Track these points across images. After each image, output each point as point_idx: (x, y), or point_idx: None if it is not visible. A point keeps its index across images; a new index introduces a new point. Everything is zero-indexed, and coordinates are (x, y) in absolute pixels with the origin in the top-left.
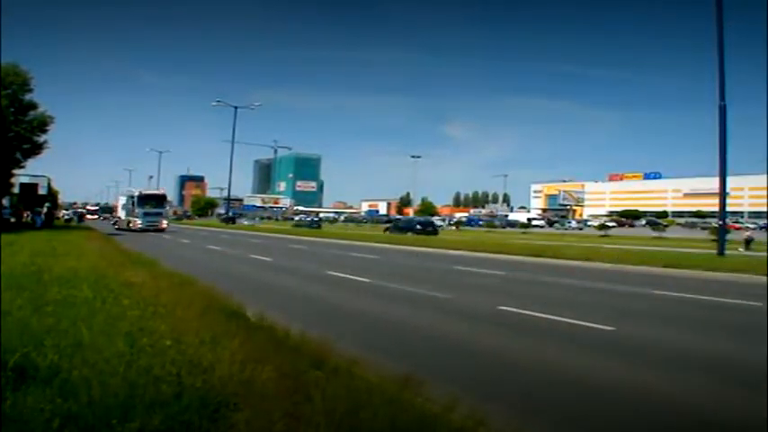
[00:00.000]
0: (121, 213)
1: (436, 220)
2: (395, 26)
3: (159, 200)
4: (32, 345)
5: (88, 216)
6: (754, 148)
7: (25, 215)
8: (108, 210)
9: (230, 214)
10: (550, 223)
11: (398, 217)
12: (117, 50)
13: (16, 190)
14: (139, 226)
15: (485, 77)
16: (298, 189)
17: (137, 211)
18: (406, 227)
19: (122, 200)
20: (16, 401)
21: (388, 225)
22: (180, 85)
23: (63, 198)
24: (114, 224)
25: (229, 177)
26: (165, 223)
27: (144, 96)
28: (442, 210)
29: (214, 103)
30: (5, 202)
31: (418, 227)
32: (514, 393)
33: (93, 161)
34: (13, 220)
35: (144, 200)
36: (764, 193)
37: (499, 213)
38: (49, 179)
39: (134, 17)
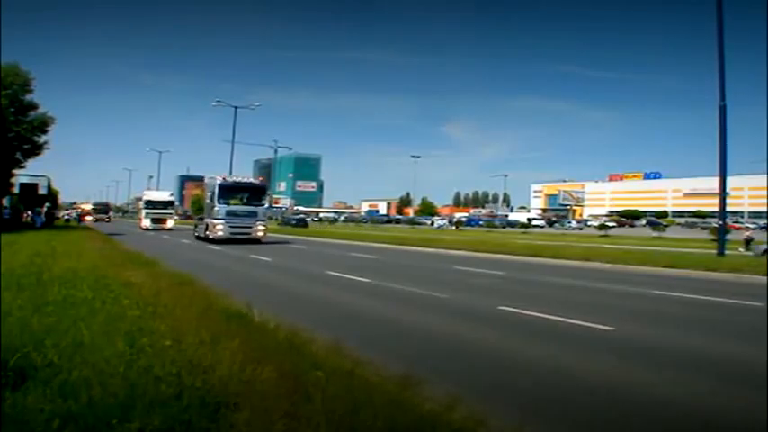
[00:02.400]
0: (142, 214)
1: (437, 220)
2: (395, 26)
3: (254, 193)
4: (32, 345)
5: (86, 217)
6: (754, 148)
7: (25, 215)
8: (104, 209)
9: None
10: (550, 223)
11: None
12: (117, 50)
13: (16, 190)
14: (220, 234)
15: (485, 77)
16: (298, 189)
17: (217, 208)
18: (287, 222)
19: (147, 195)
20: (16, 401)
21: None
22: (180, 85)
23: (63, 198)
24: (194, 232)
25: None
26: (261, 230)
27: (144, 96)
28: (442, 210)
29: (214, 104)
30: (5, 202)
31: (293, 222)
32: (514, 393)
33: (94, 161)
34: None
35: (228, 192)
36: (764, 193)
37: (499, 213)
38: (49, 179)
39: (134, 17)
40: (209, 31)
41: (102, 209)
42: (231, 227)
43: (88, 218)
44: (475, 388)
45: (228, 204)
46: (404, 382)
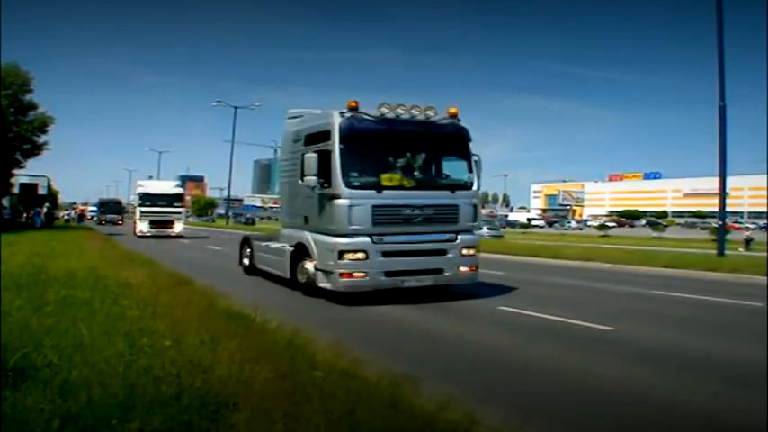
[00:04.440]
0: (137, 217)
1: None
2: (395, 26)
3: (442, 146)
4: (32, 345)
5: (88, 215)
6: (754, 148)
7: (28, 215)
8: (115, 207)
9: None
10: (550, 223)
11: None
12: (117, 50)
13: (16, 190)
14: (348, 283)
15: (485, 77)
16: None
17: (342, 201)
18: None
19: (143, 186)
20: (16, 401)
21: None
22: (180, 85)
23: (63, 198)
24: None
25: (229, 177)
26: (468, 256)
27: (144, 96)
28: None
29: (214, 104)
30: (5, 202)
31: (243, 220)
32: (514, 393)
33: (93, 161)
34: (20, 220)
35: (365, 145)
36: (764, 193)
37: (499, 213)
38: (48, 179)
39: (134, 17)
40: (210, 30)
41: (111, 207)
42: (386, 254)
43: (90, 216)
44: (475, 388)
45: (371, 185)
46: (402, 382)
